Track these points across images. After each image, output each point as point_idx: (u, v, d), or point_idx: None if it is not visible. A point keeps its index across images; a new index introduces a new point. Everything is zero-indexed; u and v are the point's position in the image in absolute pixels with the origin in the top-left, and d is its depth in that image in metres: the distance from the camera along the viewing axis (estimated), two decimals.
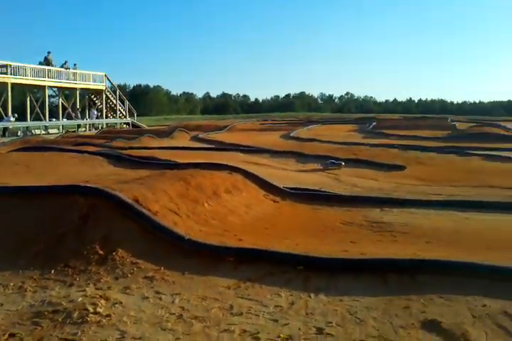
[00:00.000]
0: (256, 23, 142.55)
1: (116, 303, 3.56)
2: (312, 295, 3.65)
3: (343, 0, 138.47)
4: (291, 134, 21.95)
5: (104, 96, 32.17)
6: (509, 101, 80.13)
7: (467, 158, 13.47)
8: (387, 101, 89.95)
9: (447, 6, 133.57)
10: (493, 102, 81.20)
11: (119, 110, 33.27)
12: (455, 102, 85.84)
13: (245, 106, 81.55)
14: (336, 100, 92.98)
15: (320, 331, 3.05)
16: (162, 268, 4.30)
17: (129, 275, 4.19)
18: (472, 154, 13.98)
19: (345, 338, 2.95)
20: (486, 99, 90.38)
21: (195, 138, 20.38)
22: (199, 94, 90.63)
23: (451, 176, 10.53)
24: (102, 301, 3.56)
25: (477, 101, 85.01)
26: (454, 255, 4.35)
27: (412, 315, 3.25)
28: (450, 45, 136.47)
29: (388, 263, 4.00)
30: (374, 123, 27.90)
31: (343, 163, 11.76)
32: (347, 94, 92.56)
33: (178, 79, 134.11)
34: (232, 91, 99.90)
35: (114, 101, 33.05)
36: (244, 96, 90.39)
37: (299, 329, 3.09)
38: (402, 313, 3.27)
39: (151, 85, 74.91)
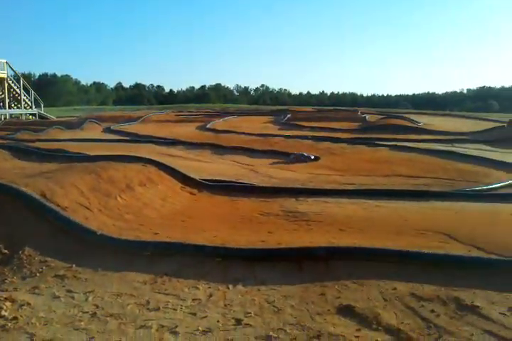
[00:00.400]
0: (171, 13, 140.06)
1: (24, 305, 3.34)
2: (230, 286, 3.64)
3: None
4: (207, 126, 21.82)
5: (6, 85, 30.07)
6: (414, 94, 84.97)
7: (376, 148, 14.07)
8: (301, 93, 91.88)
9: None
10: (400, 96, 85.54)
11: (24, 100, 31.27)
12: (365, 95, 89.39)
13: (160, 97, 79.86)
14: (252, 92, 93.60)
15: (239, 322, 3.05)
16: (74, 265, 4.10)
17: (38, 274, 3.96)
18: (380, 145, 14.62)
19: (264, 327, 2.97)
20: (393, 93, 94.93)
21: (108, 130, 19.71)
22: (111, 84, 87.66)
23: (361, 166, 10.96)
24: (8, 303, 3.33)
25: (385, 95, 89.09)
26: (366, 241, 4.53)
27: (328, 301, 3.34)
28: (354, 42, 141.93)
29: (303, 252, 4.08)
30: (289, 115, 28.36)
31: (313, 157, 11.86)
32: (262, 86, 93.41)
33: (88, 69, 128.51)
34: (146, 81, 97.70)
35: (18, 90, 30.99)
36: (159, 86, 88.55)
37: (218, 321, 3.07)
38: (318, 300, 3.35)
39: (59, 74, 71.15)
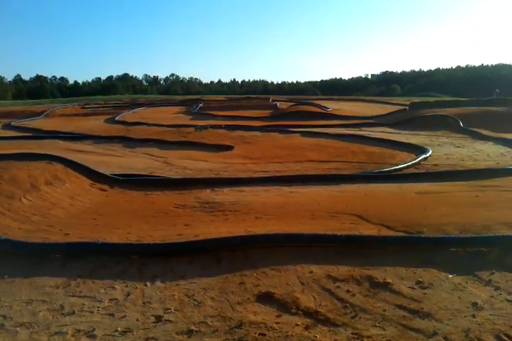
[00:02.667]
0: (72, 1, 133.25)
1: None
2: (148, 283, 3.56)
3: None
4: (117, 118, 21.16)
5: None
6: (322, 80, 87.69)
7: (288, 135, 14.35)
8: (212, 82, 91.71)
9: None
10: (308, 82, 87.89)
11: None
12: (275, 83, 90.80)
13: (64, 90, 76.28)
14: (162, 82, 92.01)
15: (159, 319, 2.99)
16: None
17: None
18: (292, 131, 14.93)
19: (185, 322, 2.94)
20: (302, 80, 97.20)
21: (8, 127, 18.56)
22: (8, 76, 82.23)
23: (275, 153, 11.14)
24: None
25: (295, 82, 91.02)
26: (282, 227, 4.61)
27: (247, 289, 3.36)
28: (264, 29, 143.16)
29: (220, 243, 4.07)
30: (200, 105, 28.19)
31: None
32: (172, 75, 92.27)
33: None
34: (47, 73, 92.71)
35: None
36: (62, 78, 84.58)
37: (137, 320, 2.99)
38: (238, 289, 3.36)
39: None
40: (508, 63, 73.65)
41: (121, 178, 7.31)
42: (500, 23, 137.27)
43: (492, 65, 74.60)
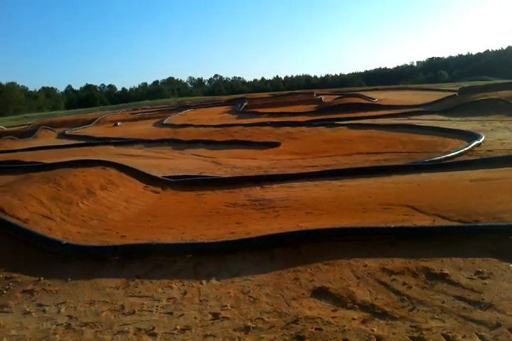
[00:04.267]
0: (116, 11, 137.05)
1: None
2: (204, 281, 3.62)
3: None
4: (164, 121, 21.57)
5: None
6: (366, 71, 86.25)
7: (335, 128, 14.19)
8: (255, 80, 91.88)
9: None
10: (353, 74, 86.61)
11: None
12: (319, 76, 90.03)
13: (113, 97, 78.54)
14: (206, 83, 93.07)
15: (216, 316, 3.05)
16: (42, 278, 3.99)
17: (5, 291, 3.84)
18: (339, 125, 14.76)
19: (242, 319, 2.97)
20: (345, 71, 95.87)
21: (62, 135, 19.28)
22: (60, 88, 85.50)
23: (322, 147, 11.06)
24: None
25: (338, 74, 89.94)
26: (334, 222, 4.58)
27: (302, 285, 3.36)
28: (304, 24, 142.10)
29: (273, 239, 4.08)
30: (245, 103, 28.31)
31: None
32: (216, 76, 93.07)
33: (35, 74, 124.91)
34: (96, 81, 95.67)
35: None
36: (111, 86, 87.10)
37: (195, 318, 3.05)
38: (293, 285, 3.37)
39: (4, 82, 68.72)
40: None
41: (172, 180, 7.46)
42: None
43: None
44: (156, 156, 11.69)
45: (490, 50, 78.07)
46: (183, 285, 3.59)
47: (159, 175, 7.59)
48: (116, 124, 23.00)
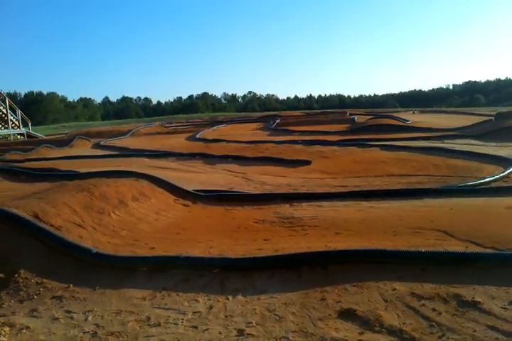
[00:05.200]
0: (154, 25, 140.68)
1: (23, 328, 3.31)
2: (230, 297, 3.62)
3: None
4: (197, 136, 21.79)
5: None
6: (400, 92, 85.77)
7: (367, 149, 14.08)
8: (288, 98, 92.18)
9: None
10: (386, 95, 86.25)
11: (11, 120, 31.06)
12: (352, 96, 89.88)
13: (148, 110, 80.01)
14: (240, 99, 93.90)
15: (241, 332, 3.04)
16: (71, 285, 4.07)
17: (35, 296, 3.92)
18: (371, 145, 14.64)
19: (267, 336, 2.96)
20: (379, 92, 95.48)
21: (97, 146, 19.65)
22: (98, 99, 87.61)
23: (353, 168, 10.97)
24: (6, 328, 3.30)
25: (372, 95, 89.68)
26: (363, 243, 4.53)
27: (329, 306, 3.33)
28: (338, 44, 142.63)
29: (301, 257, 4.07)
30: (278, 121, 28.38)
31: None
32: (249, 92, 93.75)
33: (74, 84, 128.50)
34: (132, 94, 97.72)
35: (4, 110, 30.78)
36: (146, 99, 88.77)
37: (220, 333, 3.05)
38: (319, 305, 3.34)
39: (45, 92, 70.87)
40: None
41: (202, 194, 7.52)
42: None
43: None
44: (187, 170, 11.80)
45: None
46: (209, 299, 3.60)
47: (190, 188, 7.65)
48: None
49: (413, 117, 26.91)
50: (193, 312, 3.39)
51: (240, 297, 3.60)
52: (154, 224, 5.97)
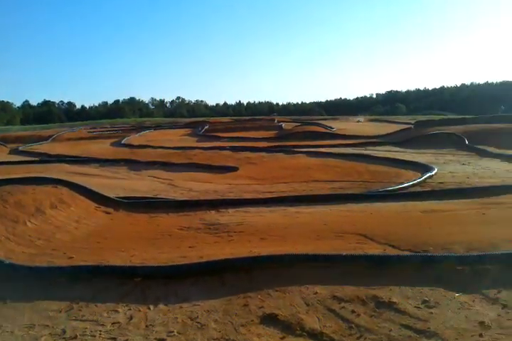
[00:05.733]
0: (78, 26, 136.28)
1: None
2: (151, 306, 3.52)
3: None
4: (123, 141, 21.31)
5: None
6: (327, 100, 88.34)
7: (293, 155, 14.34)
8: (217, 104, 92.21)
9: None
10: (313, 103, 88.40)
11: None
12: (280, 104, 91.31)
13: (71, 114, 76.98)
14: (168, 105, 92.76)
15: None
16: None
17: None
18: (297, 152, 14.93)
19: None
20: (307, 100, 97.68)
21: (16, 151, 18.68)
22: (17, 102, 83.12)
23: (280, 174, 11.11)
24: None
25: (300, 102, 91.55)
26: (288, 248, 4.57)
27: (251, 311, 3.32)
28: (267, 52, 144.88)
29: (224, 264, 4.04)
30: (206, 127, 28.35)
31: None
32: (178, 98, 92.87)
33: None
34: (55, 98, 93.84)
35: None
36: (70, 103, 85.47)
37: None
38: (242, 311, 3.32)
39: None
40: None
41: (125, 201, 7.32)
42: (503, 41, 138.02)
43: (497, 83, 74.74)
44: (111, 176, 11.47)
45: (445, 86, 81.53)
46: (130, 309, 3.49)
47: (112, 195, 7.43)
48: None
49: (338, 124, 27.76)
50: (112, 323, 3.26)
51: (161, 306, 3.51)
52: (74, 233, 5.73)
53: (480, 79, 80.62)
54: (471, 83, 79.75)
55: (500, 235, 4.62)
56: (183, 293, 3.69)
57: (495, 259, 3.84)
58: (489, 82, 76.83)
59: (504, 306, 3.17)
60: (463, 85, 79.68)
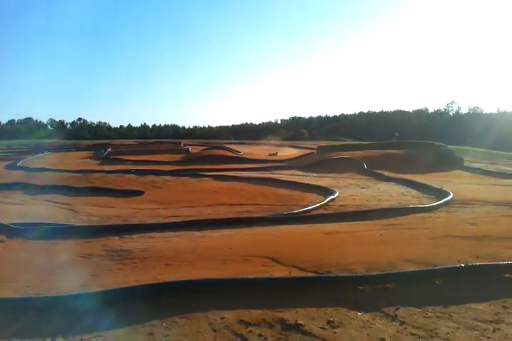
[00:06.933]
0: None
1: None
2: (48, 339, 3.28)
3: None
4: (18, 164, 20.09)
5: None
6: (233, 125, 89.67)
7: (200, 179, 14.33)
8: (121, 126, 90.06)
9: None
10: (220, 127, 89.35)
11: None
12: (187, 127, 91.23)
13: None
14: (68, 126, 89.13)
15: None
16: None
17: None
18: (204, 175, 14.94)
19: None
20: (213, 124, 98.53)
21: None
22: None
23: (186, 197, 11.03)
24: None
25: (206, 126, 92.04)
26: (193, 273, 4.51)
27: (157, 340, 3.21)
28: (172, 75, 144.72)
29: (127, 292, 3.89)
30: (109, 149, 27.58)
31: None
32: (79, 119, 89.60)
33: None
34: None
35: None
36: None
37: None
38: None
39: None
40: (405, 109, 79.86)
41: (20, 227, 6.85)
42: (398, 73, 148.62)
43: (391, 111, 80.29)
44: (3, 201, 10.71)
45: (345, 113, 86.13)
46: None
47: (5, 221, 6.93)
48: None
49: (245, 149, 28.24)
50: None
51: (59, 339, 3.29)
52: None
53: (376, 108, 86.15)
54: (369, 111, 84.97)
55: (396, 254, 4.90)
56: (86, 324, 3.49)
57: (392, 278, 4.05)
58: (384, 110, 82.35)
59: (402, 322, 3.34)
60: (361, 113, 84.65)
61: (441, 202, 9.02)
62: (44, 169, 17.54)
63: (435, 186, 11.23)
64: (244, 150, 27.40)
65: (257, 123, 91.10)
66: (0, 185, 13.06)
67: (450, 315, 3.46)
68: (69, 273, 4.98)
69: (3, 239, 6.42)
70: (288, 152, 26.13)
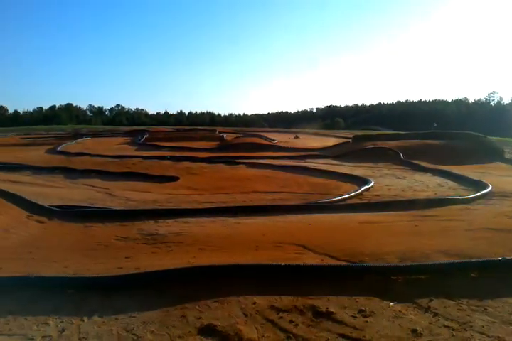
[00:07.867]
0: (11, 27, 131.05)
1: None
2: (85, 318, 3.39)
3: None
4: (58, 148, 20.60)
5: None
6: (268, 113, 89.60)
7: (234, 166, 14.38)
8: (158, 113, 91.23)
9: None
10: (255, 115, 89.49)
11: None
12: (222, 115, 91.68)
13: (3, 119, 73.68)
14: (107, 112, 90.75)
15: None
16: None
17: None
18: (238, 163, 14.99)
19: None
20: (248, 112, 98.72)
21: None
22: None
23: (221, 184, 11.09)
24: None
25: (241, 114, 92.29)
26: (226, 259, 4.55)
27: (189, 322, 3.27)
28: (208, 64, 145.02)
29: (162, 275, 3.96)
30: (146, 136, 27.92)
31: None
32: (118, 106, 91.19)
33: None
34: None
35: None
36: (1, 107, 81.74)
37: None
38: (179, 323, 3.27)
39: None
40: (444, 99, 77.96)
41: (60, 210, 7.05)
42: (437, 62, 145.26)
43: (429, 101, 78.52)
44: (45, 184, 11.03)
45: (382, 103, 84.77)
46: (62, 321, 3.34)
47: (46, 204, 7.13)
48: None
49: (279, 137, 28.16)
50: (42, 337, 3.11)
51: (96, 318, 3.39)
52: (3, 243, 5.44)
53: (414, 97, 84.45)
54: (406, 100, 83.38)
55: (431, 246, 4.81)
56: (120, 305, 3.57)
57: (427, 269, 3.99)
58: (422, 100, 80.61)
59: (435, 314, 3.30)
60: (398, 102, 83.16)
61: (479, 194, 8.79)
62: (83, 154, 17.94)
63: (473, 178, 10.95)
64: (279, 138, 27.34)
65: (292, 112, 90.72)
66: (42, 169, 13.44)
67: (485, 309, 3.40)
68: (104, 255, 5.10)
69: (44, 220, 6.62)
70: (311, 140, 25.93)
